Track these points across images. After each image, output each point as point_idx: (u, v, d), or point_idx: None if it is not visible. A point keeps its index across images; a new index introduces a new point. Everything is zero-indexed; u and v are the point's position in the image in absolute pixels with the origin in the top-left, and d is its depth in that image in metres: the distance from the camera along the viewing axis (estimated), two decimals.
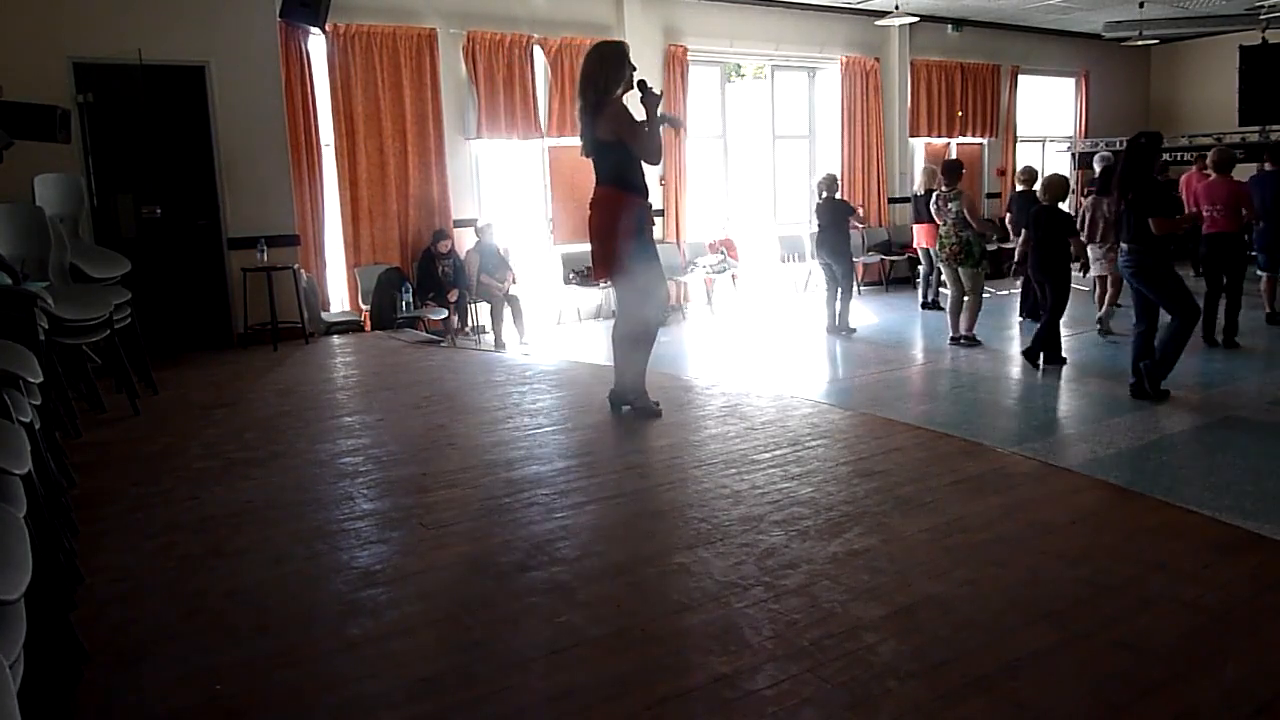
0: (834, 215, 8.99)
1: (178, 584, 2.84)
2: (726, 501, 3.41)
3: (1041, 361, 7.11)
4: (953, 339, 8.13)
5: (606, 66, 4.38)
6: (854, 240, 9.66)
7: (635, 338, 4.66)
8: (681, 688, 2.18)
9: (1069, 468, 4.22)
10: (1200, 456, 5.08)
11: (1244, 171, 9.07)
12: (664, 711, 2.09)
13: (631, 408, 4.71)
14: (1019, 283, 9.60)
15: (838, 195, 9.13)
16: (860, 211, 9.83)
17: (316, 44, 8.38)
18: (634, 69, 4.48)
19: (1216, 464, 4.92)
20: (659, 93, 4.46)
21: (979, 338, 8.07)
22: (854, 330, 9.00)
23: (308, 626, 2.56)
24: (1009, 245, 9.41)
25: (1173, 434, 5.39)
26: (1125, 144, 6.07)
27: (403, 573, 2.89)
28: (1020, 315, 9.35)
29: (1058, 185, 7.23)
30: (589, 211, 4.55)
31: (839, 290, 8.98)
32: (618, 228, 4.46)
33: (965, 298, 8.00)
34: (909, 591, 2.65)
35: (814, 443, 4.18)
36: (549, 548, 3.02)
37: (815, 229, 9.24)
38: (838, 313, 8.98)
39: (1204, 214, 7.71)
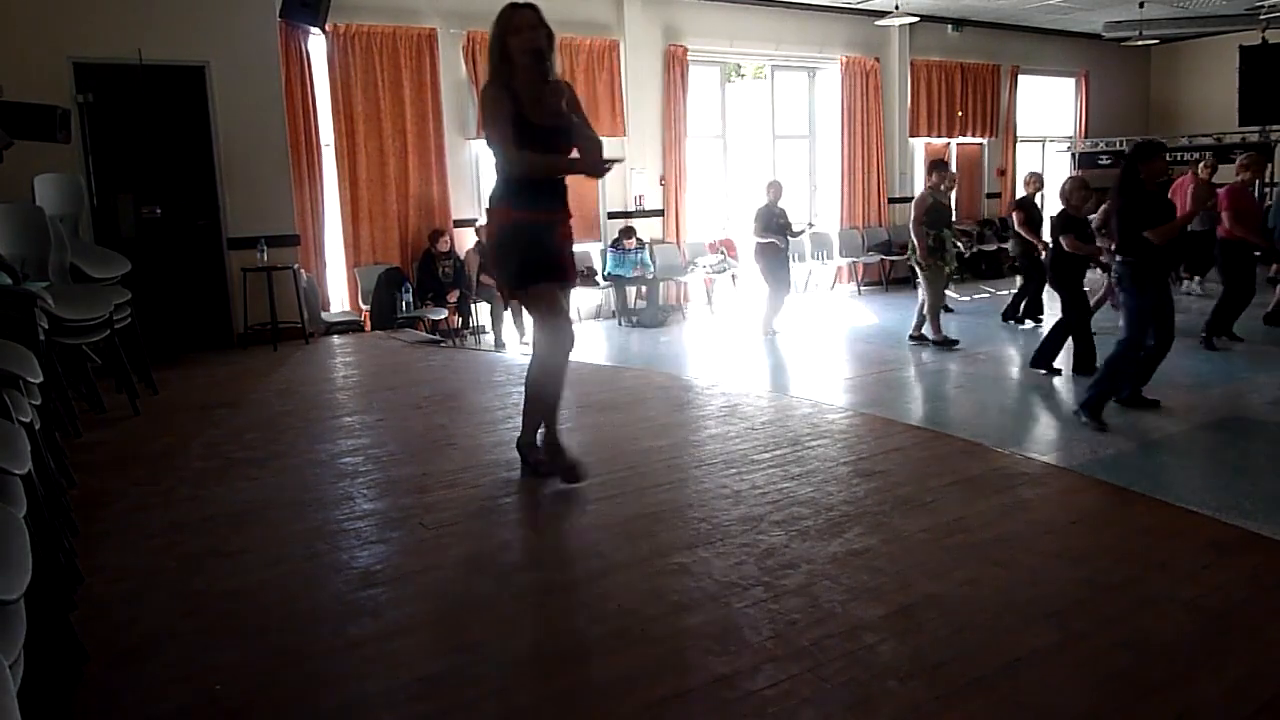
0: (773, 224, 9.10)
1: (178, 584, 2.83)
2: (726, 501, 3.41)
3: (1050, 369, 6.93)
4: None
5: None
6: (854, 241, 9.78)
7: None
8: (681, 688, 2.18)
9: (1069, 468, 4.22)
10: (1200, 456, 5.08)
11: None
12: (664, 711, 2.09)
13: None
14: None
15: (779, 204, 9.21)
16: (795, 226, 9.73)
17: (316, 44, 8.38)
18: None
19: (1216, 464, 4.92)
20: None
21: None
22: (777, 332, 9.13)
23: (308, 626, 2.55)
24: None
25: (1173, 434, 5.39)
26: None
27: (403, 573, 2.89)
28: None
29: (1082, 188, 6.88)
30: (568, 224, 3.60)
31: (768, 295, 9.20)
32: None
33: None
34: (909, 591, 2.65)
35: (814, 443, 4.18)
36: (549, 548, 3.02)
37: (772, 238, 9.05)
38: (766, 316, 9.17)
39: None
